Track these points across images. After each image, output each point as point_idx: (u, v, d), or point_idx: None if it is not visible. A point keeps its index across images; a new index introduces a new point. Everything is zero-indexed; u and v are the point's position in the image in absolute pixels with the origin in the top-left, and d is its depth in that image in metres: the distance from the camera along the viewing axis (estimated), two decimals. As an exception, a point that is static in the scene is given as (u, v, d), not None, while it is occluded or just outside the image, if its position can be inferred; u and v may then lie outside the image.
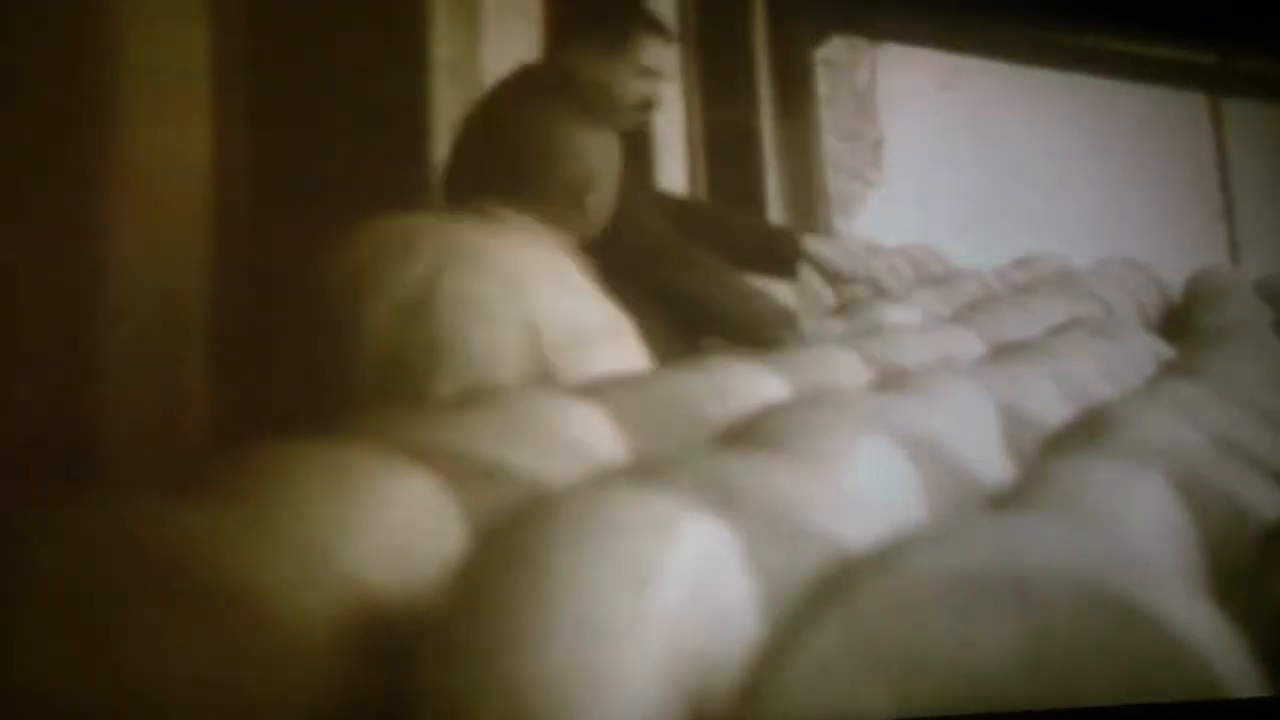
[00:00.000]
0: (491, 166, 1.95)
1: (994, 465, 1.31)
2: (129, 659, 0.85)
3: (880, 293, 2.57)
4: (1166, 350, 2.28)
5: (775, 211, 3.23)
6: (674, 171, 3.08)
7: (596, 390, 1.42)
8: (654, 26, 2.34)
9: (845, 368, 1.76)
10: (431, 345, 1.72)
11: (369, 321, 1.74)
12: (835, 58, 3.70)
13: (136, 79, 1.92)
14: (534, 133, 1.93)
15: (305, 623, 0.86)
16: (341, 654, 0.86)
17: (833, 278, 2.56)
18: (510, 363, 1.71)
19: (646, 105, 2.33)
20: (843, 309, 2.61)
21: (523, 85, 2.10)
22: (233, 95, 2.14)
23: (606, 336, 1.82)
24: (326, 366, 1.76)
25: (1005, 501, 1.12)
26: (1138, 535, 1.01)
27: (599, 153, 1.93)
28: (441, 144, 2.23)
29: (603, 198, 1.93)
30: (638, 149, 2.42)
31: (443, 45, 2.44)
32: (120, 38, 1.91)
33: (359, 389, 1.72)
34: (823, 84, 3.62)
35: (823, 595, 0.73)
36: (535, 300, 1.76)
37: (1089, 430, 1.36)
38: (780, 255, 2.52)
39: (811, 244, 2.55)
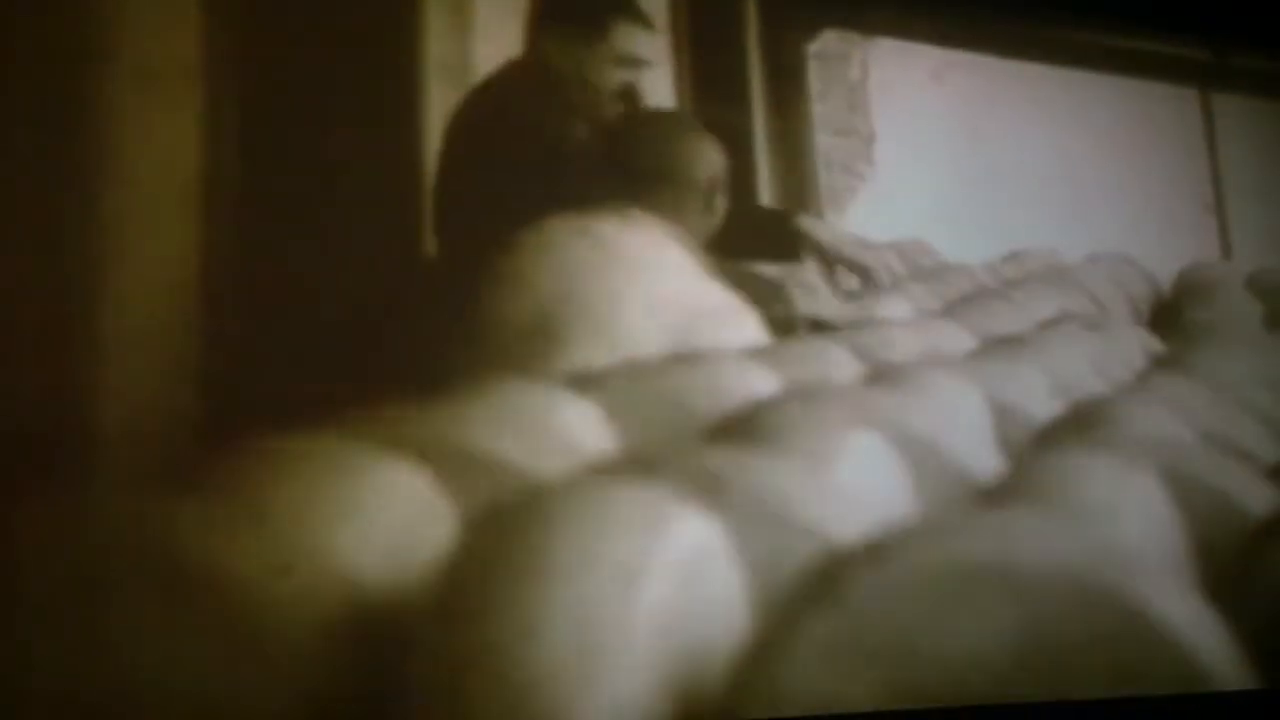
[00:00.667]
0: (620, 175, 2.15)
1: (983, 459, 1.31)
2: (121, 648, 0.85)
3: (871, 285, 2.58)
4: (1156, 345, 2.29)
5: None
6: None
7: (589, 383, 1.43)
8: (631, 13, 2.35)
9: (836, 362, 1.76)
10: (571, 320, 1.92)
11: (523, 301, 1.98)
12: (827, 52, 3.70)
13: (130, 77, 1.93)
14: (665, 145, 2.20)
15: (295, 613, 0.87)
16: (331, 645, 0.87)
17: (830, 259, 2.58)
18: (641, 340, 1.86)
19: (627, 93, 2.35)
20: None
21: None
22: (225, 93, 2.15)
23: (725, 315, 1.98)
24: (476, 340, 1.93)
25: (995, 495, 1.12)
26: (1128, 530, 1.01)
27: (719, 160, 2.18)
28: (434, 142, 2.25)
29: (723, 199, 2.16)
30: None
31: (436, 44, 2.44)
32: (113, 37, 1.92)
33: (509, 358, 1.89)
34: (814, 79, 3.62)
35: (815, 587, 0.73)
36: (661, 285, 1.95)
37: (1079, 425, 1.36)
38: (778, 234, 2.55)
39: (808, 223, 2.59)
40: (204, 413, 2.07)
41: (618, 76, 2.35)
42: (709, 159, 2.18)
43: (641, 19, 2.44)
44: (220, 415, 2.03)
